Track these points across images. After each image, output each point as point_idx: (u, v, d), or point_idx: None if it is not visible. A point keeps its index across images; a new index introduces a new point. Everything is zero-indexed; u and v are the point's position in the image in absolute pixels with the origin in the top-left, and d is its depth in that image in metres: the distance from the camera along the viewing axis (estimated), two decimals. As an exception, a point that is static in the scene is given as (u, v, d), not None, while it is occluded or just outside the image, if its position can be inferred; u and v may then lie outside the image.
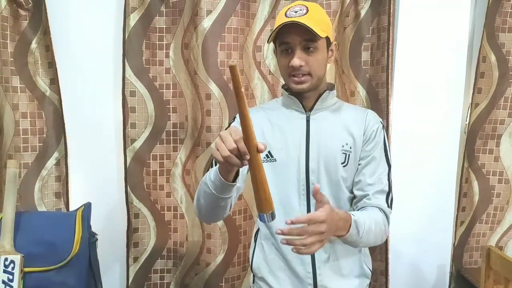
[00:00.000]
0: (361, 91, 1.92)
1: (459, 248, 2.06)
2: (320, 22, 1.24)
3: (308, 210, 1.29)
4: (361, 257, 1.38)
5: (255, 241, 1.40)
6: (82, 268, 1.54)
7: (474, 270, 2.02)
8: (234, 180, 1.10)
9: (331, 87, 1.38)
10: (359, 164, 1.31)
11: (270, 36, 1.27)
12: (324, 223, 1.06)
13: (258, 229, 1.39)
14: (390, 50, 1.84)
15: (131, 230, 1.94)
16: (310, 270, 1.30)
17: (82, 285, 1.54)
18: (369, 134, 1.31)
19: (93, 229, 1.62)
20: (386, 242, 1.93)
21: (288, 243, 1.07)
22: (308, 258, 1.30)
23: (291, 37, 1.23)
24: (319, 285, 1.31)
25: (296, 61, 1.23)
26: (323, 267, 1.31)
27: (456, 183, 2.02)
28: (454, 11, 1.92)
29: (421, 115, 1.94)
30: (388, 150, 1.33)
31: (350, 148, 1.29)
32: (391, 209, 1.32)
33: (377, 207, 1.28)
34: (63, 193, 1.87)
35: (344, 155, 1.29)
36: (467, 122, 2.00)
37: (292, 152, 1.30)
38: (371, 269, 1.41)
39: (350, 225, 1.16)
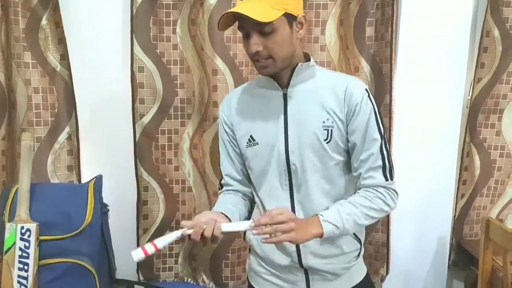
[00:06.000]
0: (365, 67, 1.95)
1: (460, 221, 2.11)
2: None
3: (291, 191, 1.27)
4: None
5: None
6: (94, 237, 1.61)
7: (474, 242, 2.06)
8: None
9: (307, 57, 1.27)
10: (348, 142, 1.24)
11: (218, 23, 1.15)
12: (290, 222, 1.09)
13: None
14: (394, 26, 1.86)
15: (141, 203, 2.00)
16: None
17: (95, 253, 1.61)
18: (352, 109, 1.20)
19: (104, 201, 1.68)
20: (388, 214, 1.98)
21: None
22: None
23: (244, 21, 1.14)
24: (302, 251, 1.29)
25: (251, 48, 1.15)
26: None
27: (458, 157, 2.05)
28: (458, -14, 1.92)
29: (424, 89, 1.96)
30: (378, 119, 1.22)
31: (332, 123, 1.21)
32: (393, 180, 1.24)
33: (372, 187, 1.22)
34: (75, 166, 1.93)
35: (326, 131, 1.22)
36: (469, 97, 2.03)
37: (271, 133, 1.26)
38: (361, 239, 1.35)
39: (320, 222, 1.15)
